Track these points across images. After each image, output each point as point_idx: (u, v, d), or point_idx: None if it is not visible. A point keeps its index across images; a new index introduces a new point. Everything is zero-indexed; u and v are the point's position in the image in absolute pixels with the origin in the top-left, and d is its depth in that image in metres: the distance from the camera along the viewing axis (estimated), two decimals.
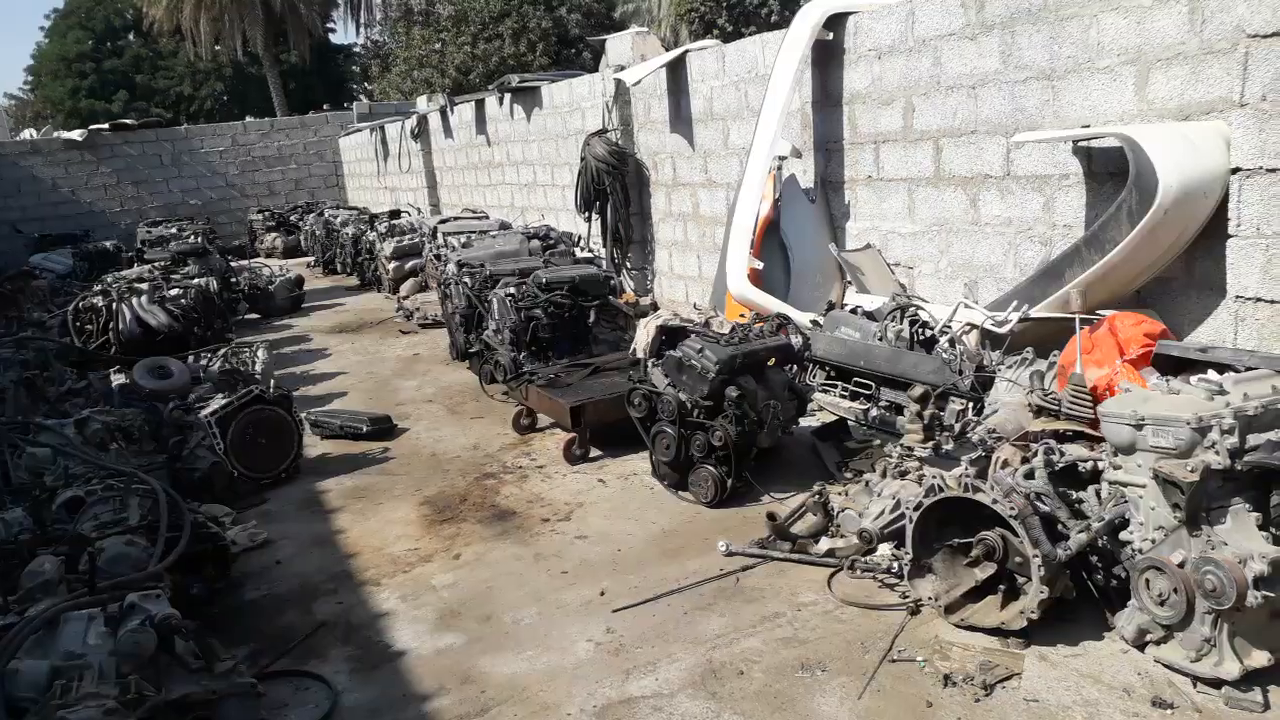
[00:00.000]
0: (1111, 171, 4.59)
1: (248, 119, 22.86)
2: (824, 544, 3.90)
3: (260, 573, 4.28)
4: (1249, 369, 3.17)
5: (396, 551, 4.39)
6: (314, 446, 6.01)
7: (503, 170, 12.35)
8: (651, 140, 8.78)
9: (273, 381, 5.97)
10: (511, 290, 6.47)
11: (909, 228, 5.96)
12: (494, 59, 24.07)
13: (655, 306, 8.78)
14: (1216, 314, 4.30)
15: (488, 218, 11.04)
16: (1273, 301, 3.89)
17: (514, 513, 4.70)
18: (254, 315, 11.40)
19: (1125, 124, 4.47)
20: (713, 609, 3.56)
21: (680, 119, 8.18)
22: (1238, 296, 4.02)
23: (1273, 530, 2.81)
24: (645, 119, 8.82)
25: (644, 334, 5.18)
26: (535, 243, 8.10)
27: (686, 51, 8.00)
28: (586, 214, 9.17)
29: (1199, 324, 4.41)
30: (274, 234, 17.60)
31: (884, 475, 3.98)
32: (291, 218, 17.81)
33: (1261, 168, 3.81)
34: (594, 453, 5.35)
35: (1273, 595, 2.68)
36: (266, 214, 18.24)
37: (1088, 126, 4.66)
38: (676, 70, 8.07)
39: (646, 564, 3.99)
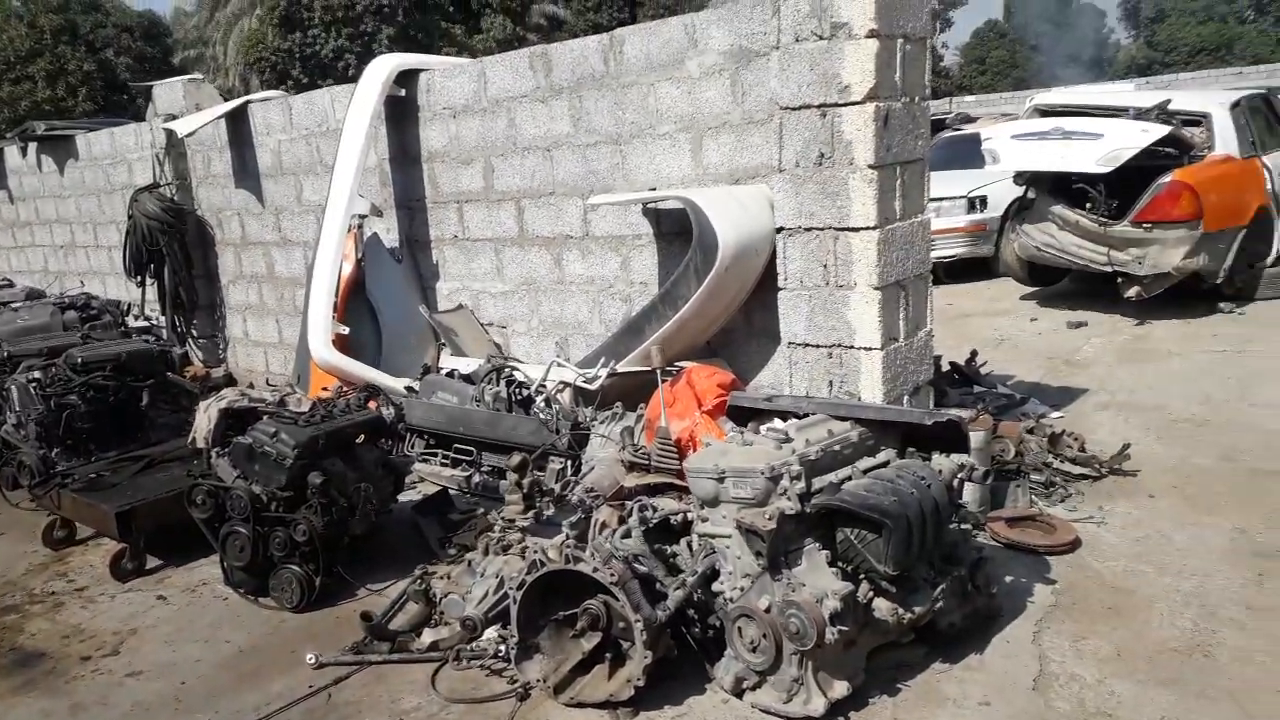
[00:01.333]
0: (677, 231, 4.86)
1: None
2: (427, 636, 3.57)
3: None
4: (806, 415, 3.43)
5: None
6: None
7: (32, 230, 10.51)
8: (214, 196, 7.92)
9: None
10: (37, 374, 5.35)
11: (499, 287, 5.90)
12: (24, 103, 20.87)
13: (231, 378, 7.89)
14: (774, 359, 4.70)
15: (12, 285, 9.26)
16: (817, 346, 4.32)
17: (43, 654, 3.78)
18: None
19: (686, 187, 4.76)
20: None
21: (247, 173, 7.47)
22: (790, 343, 4.42)
23: (841, 564, 3.02)
24: (206, 173, 7.94)
25: (204, 419, 4.47)
26: (71, 314, 6.84)
27: (248, 102, 7.34)
28: (140, 278, 8.03)
29: (761, 369, 4.80)
30: None
31: (487, 552, 3.77)
32: None
33: (800, 227, 4.23)
34: (152, 563, 4.52)
35: (846, 629, 2.87)
36: None
37: (654, 189, 4.90)
38: (239, 122, 7.37)
39: (220, 695, 3.38)
